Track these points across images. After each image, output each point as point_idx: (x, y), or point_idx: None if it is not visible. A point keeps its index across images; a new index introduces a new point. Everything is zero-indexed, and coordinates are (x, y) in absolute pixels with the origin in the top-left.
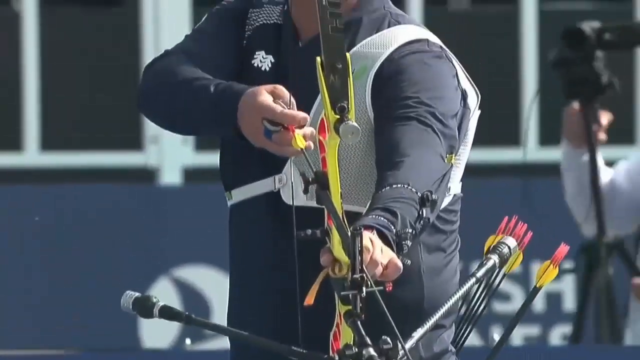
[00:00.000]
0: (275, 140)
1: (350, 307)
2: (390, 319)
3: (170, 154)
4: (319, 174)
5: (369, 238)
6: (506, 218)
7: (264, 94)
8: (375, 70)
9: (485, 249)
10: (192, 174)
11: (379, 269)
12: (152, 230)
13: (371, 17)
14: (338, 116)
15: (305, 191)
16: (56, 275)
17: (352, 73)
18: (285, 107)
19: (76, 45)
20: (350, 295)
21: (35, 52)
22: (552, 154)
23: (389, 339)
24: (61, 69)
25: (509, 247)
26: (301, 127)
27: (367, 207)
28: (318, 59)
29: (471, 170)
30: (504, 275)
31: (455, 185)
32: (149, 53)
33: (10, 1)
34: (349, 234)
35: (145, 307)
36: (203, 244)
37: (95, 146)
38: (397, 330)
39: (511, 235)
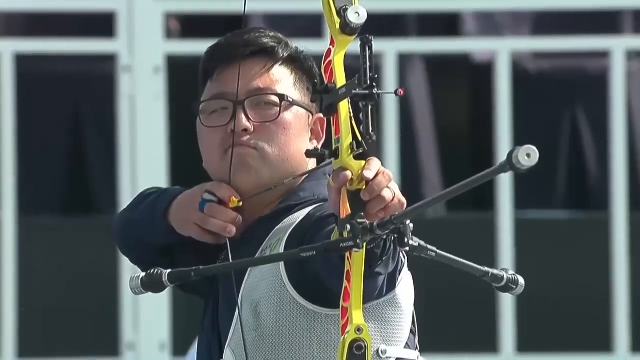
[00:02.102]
0: (207, 210)
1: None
2: None
3: None
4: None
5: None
6: None
7: None
8: (288, 235)
9: None
10: None
11: (389, 193)
12: None
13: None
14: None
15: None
16: None
17: (271, 247)
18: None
19: (54, 254)
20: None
21: (12, 260)
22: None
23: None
24: (38, 277)
25: None
26: (234, 207)
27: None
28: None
29: None
30: None
31: (397, 350)
32: (128, 261)
33: None
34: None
35: (155, 282)
36: None
37: (70, 353)
38: None
39: None
